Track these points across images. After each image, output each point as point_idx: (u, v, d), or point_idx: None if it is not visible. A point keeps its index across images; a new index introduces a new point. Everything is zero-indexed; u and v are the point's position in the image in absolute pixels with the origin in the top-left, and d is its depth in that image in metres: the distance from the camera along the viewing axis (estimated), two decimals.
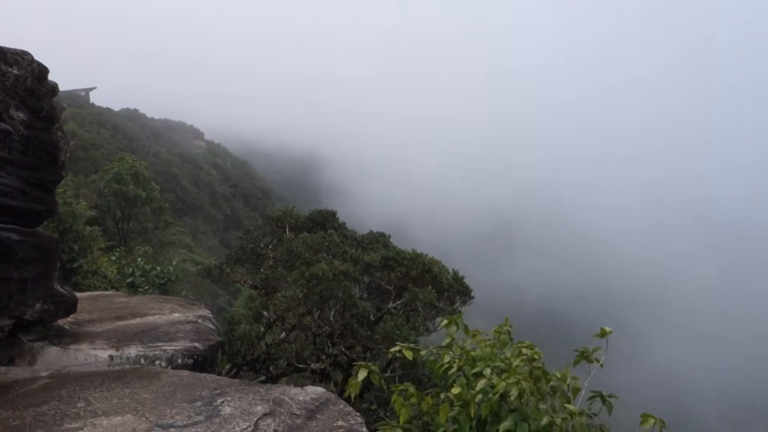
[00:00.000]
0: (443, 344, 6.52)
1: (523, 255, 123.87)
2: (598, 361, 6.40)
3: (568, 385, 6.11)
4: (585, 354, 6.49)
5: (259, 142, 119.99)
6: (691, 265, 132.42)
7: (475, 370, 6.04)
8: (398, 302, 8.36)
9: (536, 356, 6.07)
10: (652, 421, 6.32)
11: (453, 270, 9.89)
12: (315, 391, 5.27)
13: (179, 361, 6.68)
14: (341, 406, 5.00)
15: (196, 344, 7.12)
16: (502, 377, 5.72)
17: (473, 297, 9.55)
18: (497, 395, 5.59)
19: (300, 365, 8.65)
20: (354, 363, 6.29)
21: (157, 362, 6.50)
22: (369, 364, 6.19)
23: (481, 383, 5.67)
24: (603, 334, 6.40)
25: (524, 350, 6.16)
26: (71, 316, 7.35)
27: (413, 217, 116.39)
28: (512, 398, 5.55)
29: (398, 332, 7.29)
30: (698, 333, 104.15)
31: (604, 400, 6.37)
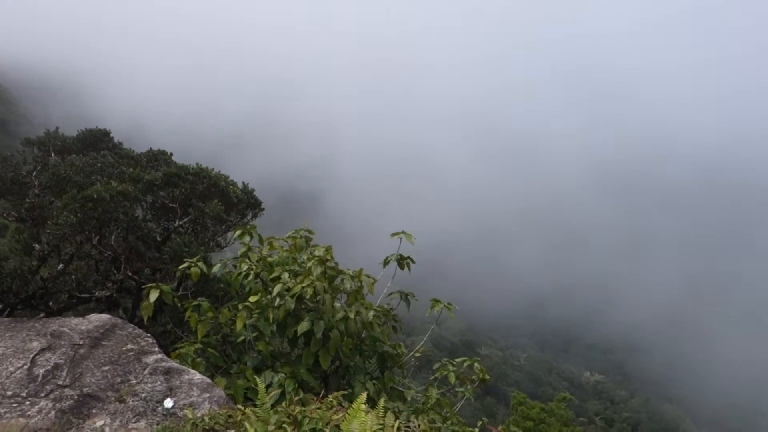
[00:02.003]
0: (239, 254, 6.46)
1: (272, 149, 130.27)
2: (409, 266, 6.80)
3: (361, 282, 6.42)
4: (388, 260, 6.86)
5: (7, 63, 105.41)
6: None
7: (273, 275, 6.08)
8: (185, 220, 8.01)
9: (329, 257, 6.26)
10: (440, 306, 6.92)
11: (243, 183, 9.67)
12: (99, 318, 4.93)
13: None
14: (130, 330, 4.74)
15: None
16: (298, 280, 5.84)
17: (263, 209, 9.47)
18: (294, 297, 5.70)
19: (83, 295, 8.03)
20: (143, 286, 5.99)
21: None
22: (159, 284, 5.94)
23: (277, 287, 5.73)
24: (396, 235, 6.77)
25: (317, 252, 6.31)
26: None
27: (151, 119, 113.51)
28: (307, 298, 5.71)
29: (186, 249, 7.04)
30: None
31: (404, 297, 6.82)
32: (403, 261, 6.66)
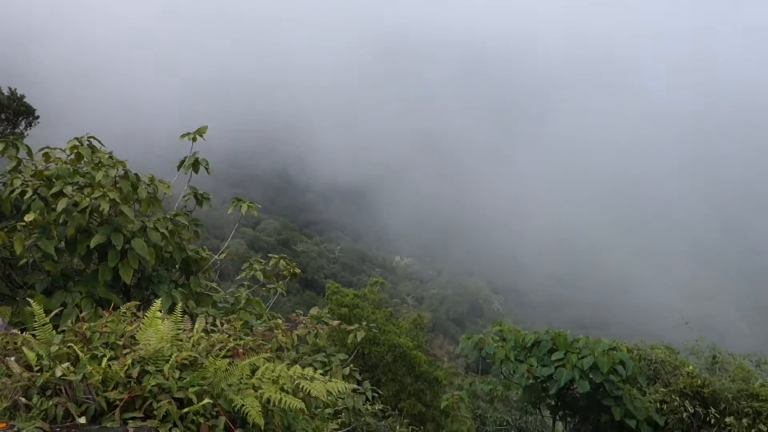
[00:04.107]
0: (8, 169, 5.79)
1: None
2: (207, 168, 6.49)
3: (156, 188, 6.10)
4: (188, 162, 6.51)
5: None
6: None
7: (54, 190, 5.53)
8: None
9: (121, 165, 5.84)
10: (245, 206, 6.81)
11: (9, 88, 8.56)
12: None
13: None
14: None
15: None
16: (86, 193, 5.39)
17: (38, 117, 8.53)
18: (85, 212, 5.28)
19: None
20: None
21: None
22: None
23: (62, 203, 5.24)
24: (187, 136, 6.43)
25: (105, 161, 5.85)
26: None
27: None
28: (104, 212, 5.31)
29: None
30: None
31: (198, 198, 6.58)
32: (198, 164, 6.37)
